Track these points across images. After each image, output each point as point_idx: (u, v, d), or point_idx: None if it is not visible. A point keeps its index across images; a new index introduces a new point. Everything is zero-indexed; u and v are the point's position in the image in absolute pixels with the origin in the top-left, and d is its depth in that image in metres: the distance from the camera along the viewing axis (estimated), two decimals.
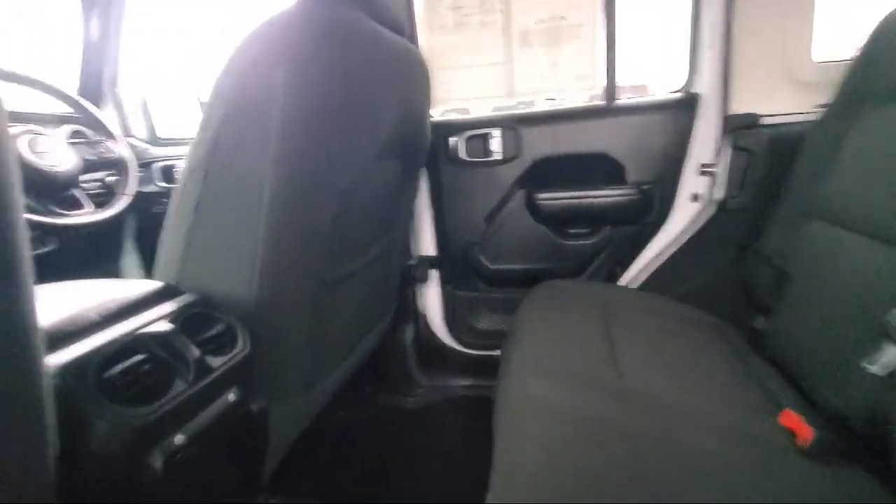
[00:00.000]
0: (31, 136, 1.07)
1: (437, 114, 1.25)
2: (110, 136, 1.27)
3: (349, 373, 1.00)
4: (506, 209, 1.22)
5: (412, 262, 1.26)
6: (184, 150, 1.47)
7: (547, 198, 1.17)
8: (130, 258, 1.64)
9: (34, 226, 1.01)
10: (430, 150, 1.07)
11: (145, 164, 1.45)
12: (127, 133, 1.50)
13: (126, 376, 0.46)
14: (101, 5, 1.34)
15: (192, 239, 0.64)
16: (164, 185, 1.44)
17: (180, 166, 1.40)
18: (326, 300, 0.81)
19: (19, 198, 0.31)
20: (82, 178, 1.17)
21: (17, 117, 1.27)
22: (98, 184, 1.29)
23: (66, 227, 1.07)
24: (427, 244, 1.28)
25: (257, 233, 0.62)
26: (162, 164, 1.44)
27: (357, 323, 1.01)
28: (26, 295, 0.31)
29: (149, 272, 0.73)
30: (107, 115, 1.46)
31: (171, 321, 0.54)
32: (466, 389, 1.33)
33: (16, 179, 0.31)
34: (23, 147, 1.04)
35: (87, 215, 1.12)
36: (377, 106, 0.76)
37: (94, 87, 1.43)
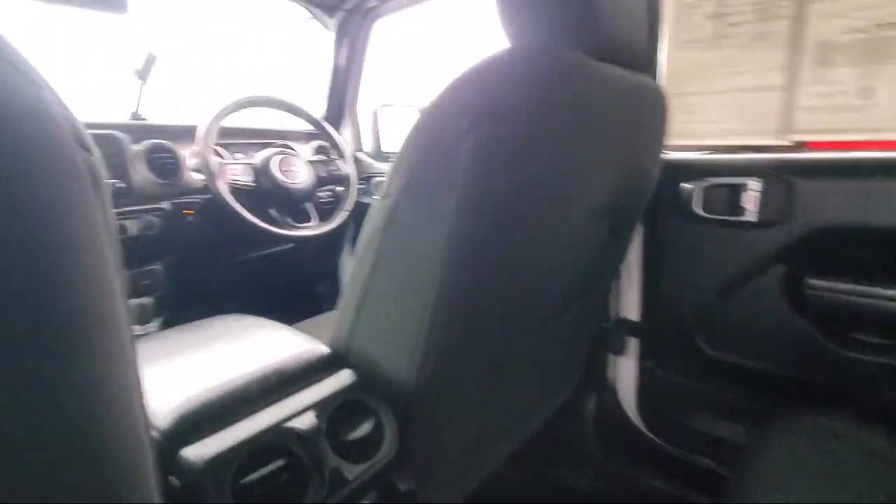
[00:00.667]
0: (282, 156, 1.25)
1: (670, 150, 1.00)
2: (341, 155, 1.41)
3: (515, 448, 0.89)
4: (749, 286, 0.90)
5: (607, 324, 1.06)
6: None
7: (824, 287, 0.81)
8: (347, 258, 1.86)
9: (272, 235, 1.17)
10: (651, 196, 0.86)
11: (367, 178, 1.59)
12: (359, 147, 1.67)
13: (262, 485, 0.43)
14: (351, 35, 1.50)
15: (363, 305, 0.61)
16: (378, 199, 1.55)
17: None
18: (497, 377, 0.71)
19: (119, 274, 0.26)
20: (315, 193, 1.32)
21: (280, 134, 1.52)
22: (328, 195, 1.46)
23: (295, 238, 1.22)
24: (629, 306, 1.06)
25: (426, 311, 0.55)
26: (379, 179, 1.55)
27: (530, 395, 0.88)
28: (129, 377, 0.27)
29: None
30: (344, 134, 1.64)
31: (320, 412, 0.50)
32: (653, 490, 1.07)
33: (116, 255, 0.26)
34: (274, 166, 1.22)
35: (311, 228, 1.27)
36: (591, 171, 0.61)
37: (337, 108, 1.62)
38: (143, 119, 1.27)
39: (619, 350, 1.05)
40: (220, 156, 1.34)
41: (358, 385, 0.56)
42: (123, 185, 1.11)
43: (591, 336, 1.03)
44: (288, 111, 1.35)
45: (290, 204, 1.27)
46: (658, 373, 1.05)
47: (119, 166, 1.12)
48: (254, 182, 1.20)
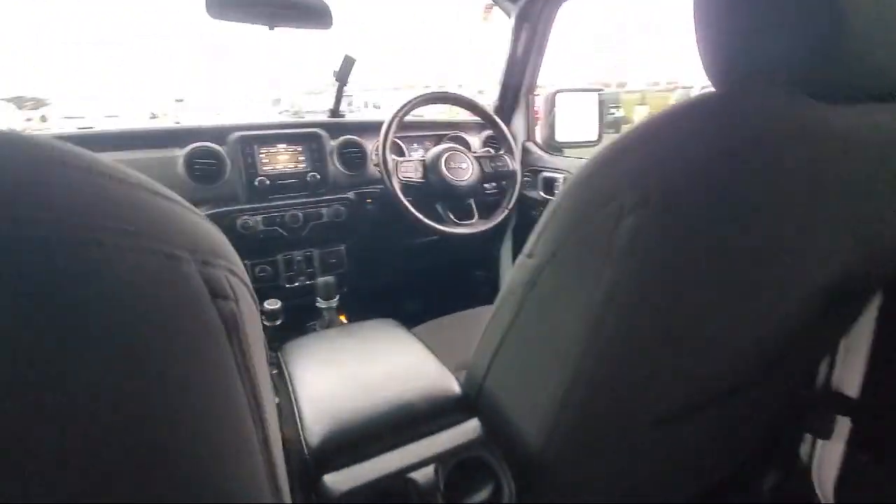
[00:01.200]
0: (450, 153, 1.28)
1: None
2: (509, 150, 1.38)
3: None
4: None
5: (811, 397, 0.84)
6: (570, 162, 1.46)
7: None
8: (506, 248, 1.85)
9: (433, 230, 1.22)
10: None
11: (533, 172, 1.53)
12: (530, 137, 1.61)
13: None
14: (532, 19, 1.41)
15: (500, 352, 0.59)
16: (543, 195, 1.48)
17: (560, 181, 1.41)
18: (656, 440, 0.63)
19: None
20: (479, 188, 1.33)
21: (453, 125, 1.56)
22: (493, 188, 1.46)
23: (453, 234, 1.26)
24: (847, 379, 0.81)
25: (566, 378, 0.50)
26: (547, 174, 1.47)
27: (693, 462, 0.76)
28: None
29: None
30: (516, 123, 1.60)
31: (441, 467, 0.51)
32: None
33: (253, 389, 0.29)
34: (441, 163, 1.26)
35: (471, 226, 1.29)
36: (812, 245, 0.46)
37: (512, 96, 1.58)
38: (342, 116, 1.43)
39: (825, 432, 0.83)
40: (400, 148, 1.45)
41: (482, 441, 0.55)
42: (319, 176, 1.28)
43: (785, 408, 0.83)
44: (460, 105, 1.37)
45: (454, 199, 1.30)
46: (874, 467, 0.80)
47: (319, 160, 1.30)
48: (423, 178, 1.26)
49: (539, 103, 1.62)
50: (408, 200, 1.22)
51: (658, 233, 0.39)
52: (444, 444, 0.54)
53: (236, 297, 0.27)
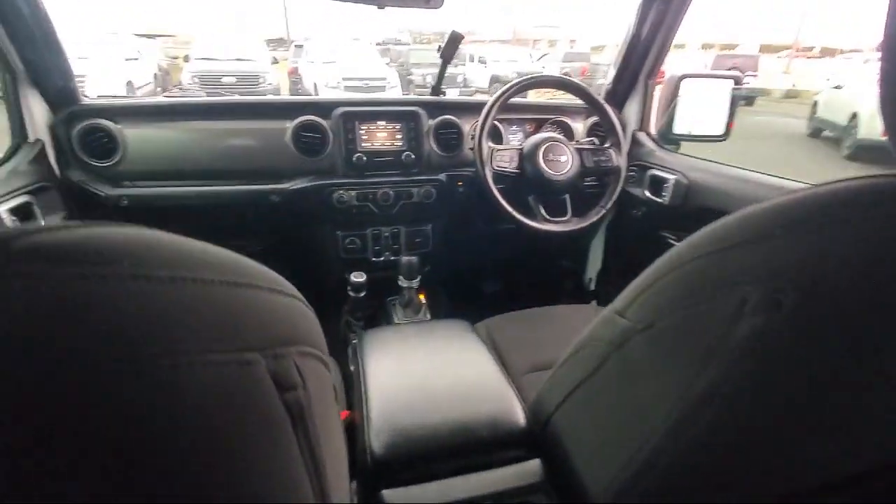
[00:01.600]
0: (549, 143, 1.20)
1: None
2: (616, 144, 1.26)
3: None
4: None
5: None
6: (686, 162, 1.30)
7: None
8: (597, 244, 1.75)
9: (521, 225, 1.18)
10: None
11: (641, 167, 1.40)
12: (643, 126, 1.47)
13: None
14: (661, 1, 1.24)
15: (575, 394, 0.56)
16: (648, 194, 1.36)
17: (671, 182, 1.27)
18: None
19: None
20: (577, 183, 1.25)
21: (557, 109, 1.46)
22: (591, 183, 1.36)
23: (542, 232, 1.20)
24: None
25: (648, 443, 0.47)
26: (656, 173, 1.34)
27: None
28: None
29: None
30: (629, 109, 1.46)
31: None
32: None
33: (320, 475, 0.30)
34: (539, 155, 1.19)
35: (562, 223, 1.22)
36: None
37: (628, 80, 1.43)
38: (443, 94, 1.40)
39: None
40: (498, 131, 1.39)
41: (541, 485, 0.54)
42: (413, 156, 1.28)
43: None
44: (568, 91, 1.27)
45: (548, 194, 1.23)
46: None
47: (415, 139, 1.29)
48: (517, 169, 1.21)
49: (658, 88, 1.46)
50: (499, 189, 1.18)
51: (788, 339, 0.33)
52: (504, 482, 0.54)
53: (304, 380, 0.27)
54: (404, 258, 1.25)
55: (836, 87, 7.51)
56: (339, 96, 7.99)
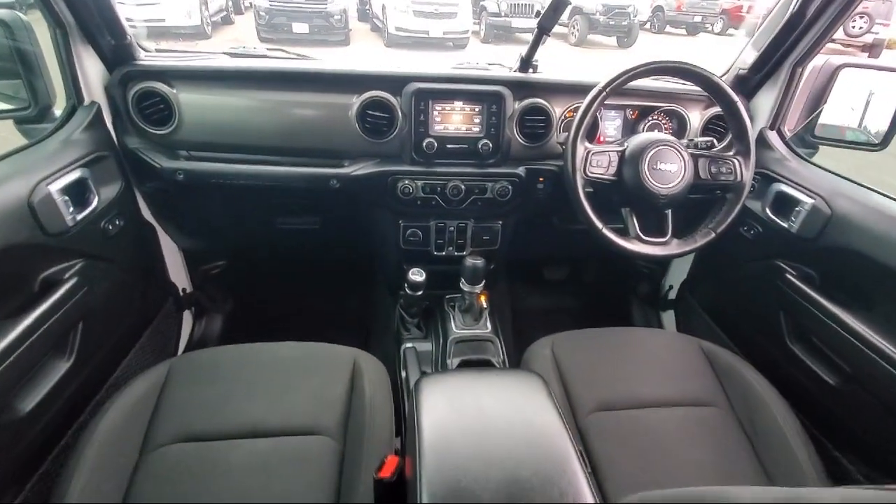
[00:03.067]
0: (659, 148, 0.98)
1: None
2: (744, 151, 1.02)
3: None
4: None
5: None
6: (829, 181, 1.04)
7: None
8: (676, 274, 1.52)
9: (610, 245, 1.00)
10: None
11: (766, 177, 1.15)
12: (775, 124, 1.19)
13: None
14: None
15: None
16: (770, 214, 1.12)
17: (806, 207, 1.02)
18: None
19: None
20: (684, 198, 1.03)
21: (669, 96, 1.21)
22: (700, 195, 1.14)
23: (637, 255, 1.02)
24: None
25: None
26: (787, 189, 1.09)
27: None
28: None
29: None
30: (759, 102, 1.18)
31: None
32: None
33: None
34: (644, 161, 0.98)
35: (662, 246, 1.02)
36: None
37: (771, 65, 1.13)
38: (534, 70, 1.18)
39: None
40: (594, 121, 1.17)
41: None
42: (491, 146, 1.11)
43: None
44: (690, 81, 1.02)
45: (648, 210, 1.03)
46: None
47: (495, 125, 1.11)
48: (614, 176, 1.01)
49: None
50: (588, 195, 0.99)
51: None
52: None
53: None
54: (468, 262, 1.12)
55: None
56: (406, 23, 7.53)
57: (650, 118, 1.22)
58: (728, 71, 1.23)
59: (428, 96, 1.07)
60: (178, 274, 1.37)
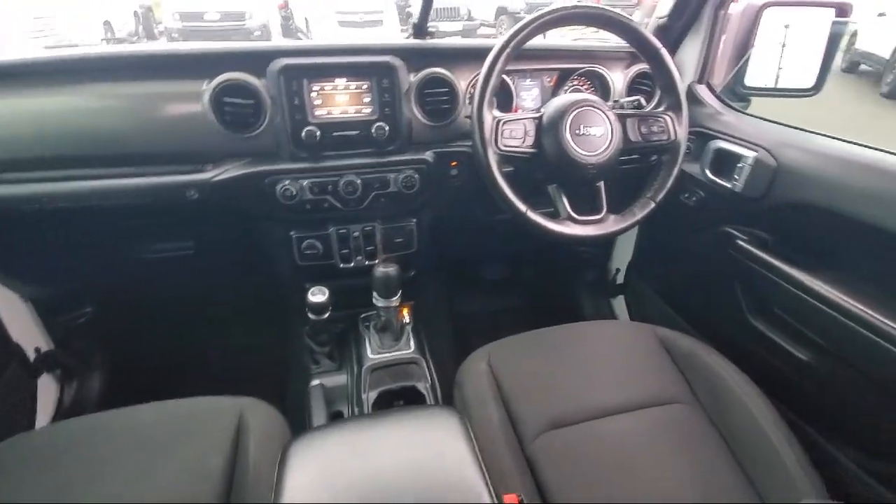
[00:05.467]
0: (580, 110, 0.83)
1: None
2: (674, 105, 0.88)
3: None
4: None
5: None
6: (767, 130, 0.93)
7: None
8: (621, 257, 1.40)
9: (538, 229, 0.84)
10: None
11: (701, 135, 1.03)
12: (704, 77, 1.07)
13: None
14: None
15: None
16: (710, 175, 0.99)
17: (748, 161, 0.90)
18: None
19: None
20: (615, 166, 0.88)
21: (587, 53, 1.07)
22: (633, 163, 1.00)
23: (567, 238, 0.86)
24: None
25: None
26: (724, 146, 0.97)
27: None
28: None
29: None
30: (684, 54, 1.06)
31: None
32: None
33: None
34: (565, 127, 0.82)
35: (597, 225, 0.87)
36: None
37: (690, 13, 1.01)
38: (431, 36, 1.00)
39: None
40: (507, 88, 1.02)
41: None
42: (388, 128, 0.92)
43: None
44: (607, 29, 0.87)
45: (577, 183, 0.88)
46: None
47: (390, 104, 0.93)
48: (533, 147, 0.85)
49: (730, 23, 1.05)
50: (507, 175, 0.82)
51: None
52: None
53: None
54: (378, 271, 0.93)
55: (879, 15, 6.70)
56: (332, 33, 7.31)
57: (570, 83, 1.07)
58: (648, 24, 1.11)
59: (300, 74, 0.87)
60: (25, 330, 1.09)
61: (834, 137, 0.83)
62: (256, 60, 0.87)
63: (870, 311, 0.71)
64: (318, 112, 0.90)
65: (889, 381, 0.71)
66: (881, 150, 0.76)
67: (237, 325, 1.34)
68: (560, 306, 1.62)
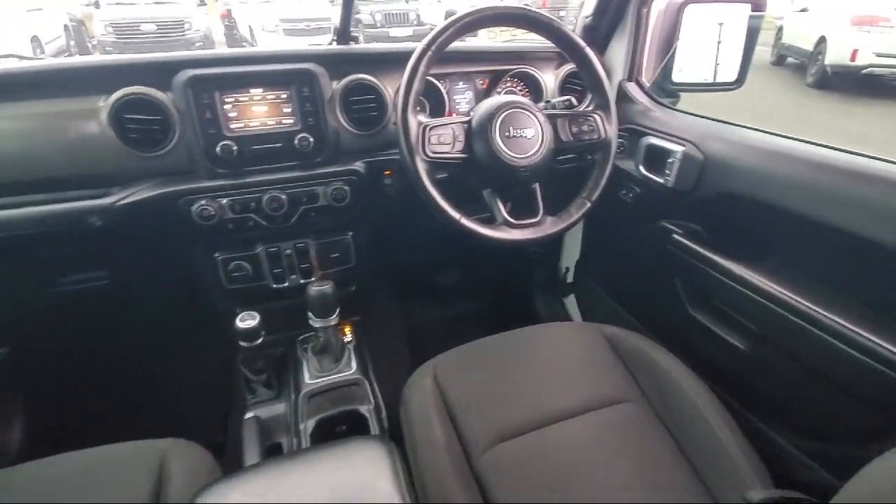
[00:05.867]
0: (509, 111, 0.81)
1: None
2: (603, 105, 0.88)
3: None
4: None
5: None
6: (694, 124, 0.94)
7: None
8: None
9: (474, 237, 0.81)
10: None
11: (633, 132, 1.03)
12: (633, 75, 1.08)
13: None
14: None
15: None
16: (643, 171, 1.00)
17: (677, 156, 0.91)
18: None
19: None
20: (549, 167, 0.86)
21: (517, 55, 1.06)
22: (568, 164, 0.99)
23: (504, 242, 0.84)
24: None
25: None
26: (655, 141, 0.97)
27: None
28: None
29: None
30: (612, 53, 1.07)
31: None
32: None
33: None
34: (495, 130, 0.80)
35: (533, 228, 0.85)
36: None
37: (613, 12, 1.02)
38: (354, 41, 0.96)
39: None
40: (437, 92, 0.99)
41: None
42: (313, 139, 0.88)
43: None
44: (530, 28, 0.86)
45: (511, 186, 0.86)
46: None
47: (313, 113, 0.88)
48: (463, 152, 0.82)
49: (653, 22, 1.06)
50: (440, 181, 0.79)
51: None
52: None
53: None
54: (312, 290, 0.87)
55: (801, 11, 7.16)
56: (276, 43, 7.14)
57: (502, 85, 1.06)
58: (575, 24, 1.11)
59: (211, 86, 0.82)
60: None
61: (755, 129, 0.85)
62: (160, 72, 0.81)
63: (797, 298, 0.72)
64: (233, 125, 0.84)
65: (819, 365, 0.72)
66: (798, 140, 0.77)
67: (168, 360, 1.25)
68: (514, 308, 1.60)
